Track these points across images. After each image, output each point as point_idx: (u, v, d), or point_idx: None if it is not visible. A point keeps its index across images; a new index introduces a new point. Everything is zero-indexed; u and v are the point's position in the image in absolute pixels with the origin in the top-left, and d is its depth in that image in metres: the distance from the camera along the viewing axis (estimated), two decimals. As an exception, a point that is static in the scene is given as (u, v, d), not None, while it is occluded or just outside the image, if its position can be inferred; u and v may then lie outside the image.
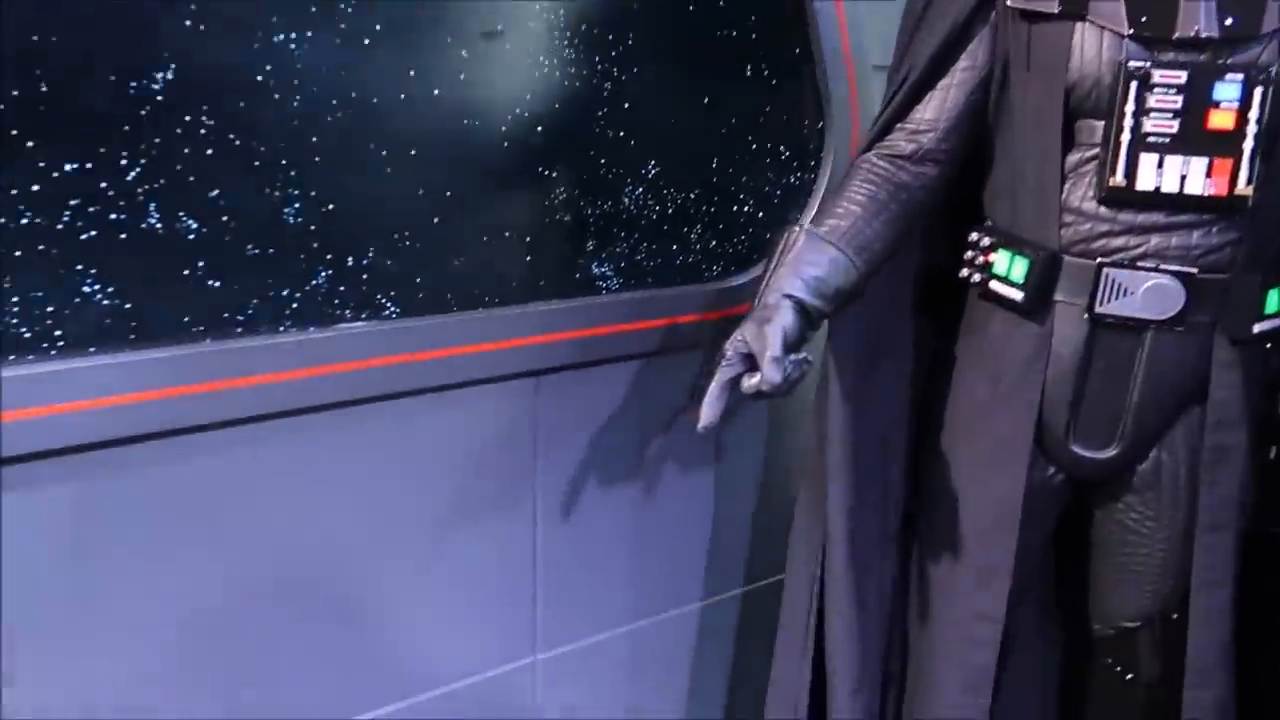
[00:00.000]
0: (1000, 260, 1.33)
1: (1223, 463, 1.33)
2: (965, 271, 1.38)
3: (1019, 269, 1.30)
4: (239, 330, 1.22)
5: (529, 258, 1.46)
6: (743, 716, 1.82)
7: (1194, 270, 1.25)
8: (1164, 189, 1.22)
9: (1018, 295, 1.31)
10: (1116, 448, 1.36)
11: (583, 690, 1.73)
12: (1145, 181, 1.22)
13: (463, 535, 1.50)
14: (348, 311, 1.30)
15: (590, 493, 1.63)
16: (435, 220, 1.35)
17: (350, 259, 1.29)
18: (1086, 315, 1.29)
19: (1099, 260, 1.27)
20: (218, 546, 1.28)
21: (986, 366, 1.38)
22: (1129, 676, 1.50)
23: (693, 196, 1.61)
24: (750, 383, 1.20)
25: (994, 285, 1.34)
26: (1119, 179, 1.23)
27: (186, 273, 1.17)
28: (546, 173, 1.45)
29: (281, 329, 1.25)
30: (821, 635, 1.56)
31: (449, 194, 1.36)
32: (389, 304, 1.33)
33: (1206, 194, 1.21)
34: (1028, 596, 1.49)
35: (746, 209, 1.68)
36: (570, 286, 1.50)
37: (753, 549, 1.85)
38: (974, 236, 1.37)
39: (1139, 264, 1.26)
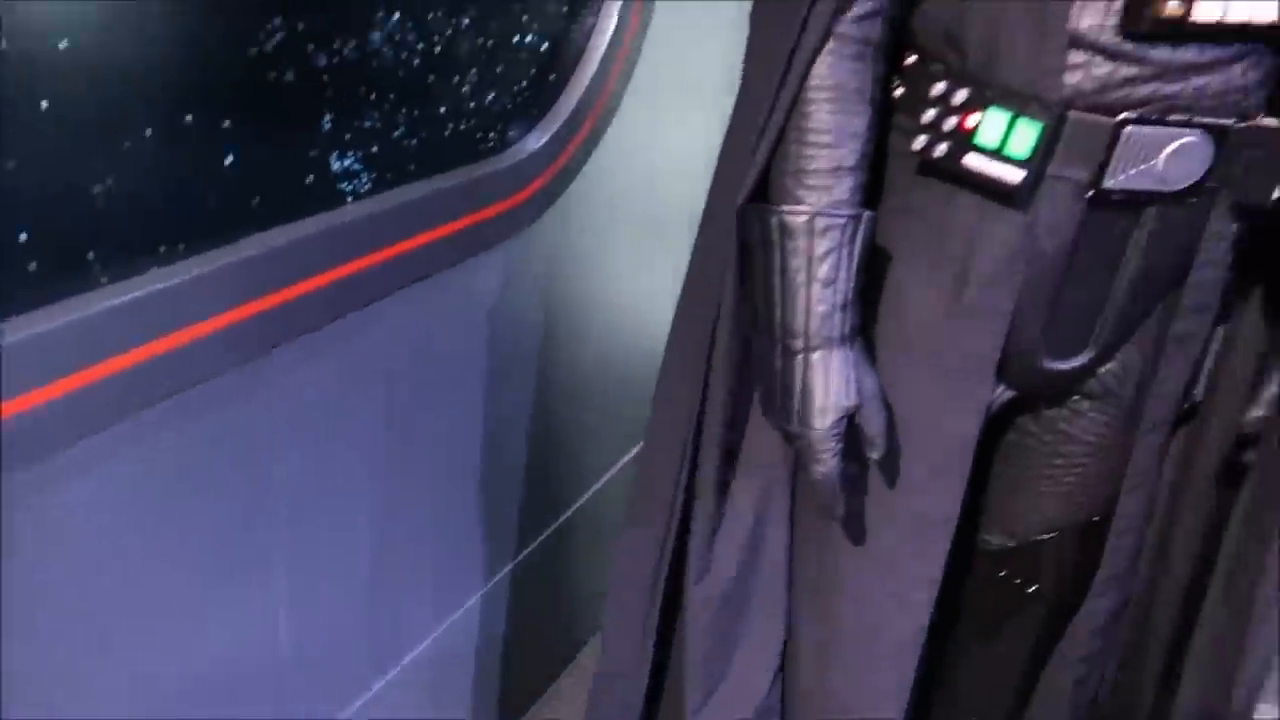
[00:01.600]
0: (991, 124, 0.89)
1: (1179, 353, 1.08)
2: (922, 141, 0.94)
3: (1024, 138, 0.88)
4: None
5: (226, 158, 0.79)
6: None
7: (1230, 121, 0.91)
8: (1229, 19, 0.85)
9: (1016, 175, 0.90)
10: (1089, 354, 1.05)
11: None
12: (1207, 10, 0.84)
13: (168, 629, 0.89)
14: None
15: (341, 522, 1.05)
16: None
17: None
18: (1091, 193, 0.92)
19: (1121, 116, 0.89)
20: None
21: (943, 270, 0.98)
22: (1031, 589, 1.29)
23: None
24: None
25: (972, 161, 0.92)
26: (1174, 6, 0.84)
27: None
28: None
29: None
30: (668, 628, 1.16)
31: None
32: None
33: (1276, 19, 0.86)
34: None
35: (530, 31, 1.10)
36: (304, 199, 0.86)
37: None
38: (940, 87, 0.91)
39: (1169, 117, 0.90)
